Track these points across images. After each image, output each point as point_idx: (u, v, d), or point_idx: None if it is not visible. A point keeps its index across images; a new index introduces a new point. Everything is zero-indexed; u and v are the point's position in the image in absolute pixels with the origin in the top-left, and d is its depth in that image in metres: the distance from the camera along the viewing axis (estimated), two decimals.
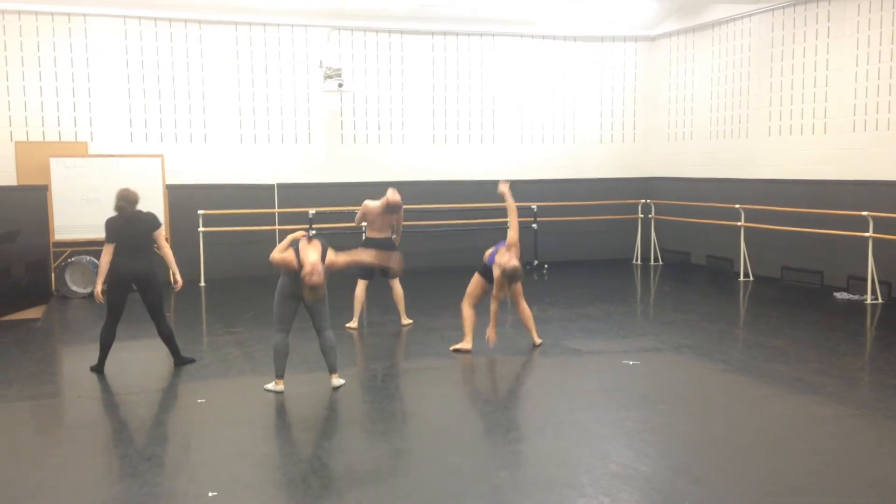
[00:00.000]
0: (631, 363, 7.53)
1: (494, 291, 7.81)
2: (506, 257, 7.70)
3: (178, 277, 7.56)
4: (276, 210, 13.08)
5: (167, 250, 7.64)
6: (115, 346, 7.44)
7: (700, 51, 13.92)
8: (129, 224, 7.39)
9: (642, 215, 14.68)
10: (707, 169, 13.72)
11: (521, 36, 14.34)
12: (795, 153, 11.96)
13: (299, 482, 4.84)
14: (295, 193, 13.18)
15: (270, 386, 6.61)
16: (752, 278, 12.40)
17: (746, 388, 6.79)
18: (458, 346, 7.95)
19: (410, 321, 9.29)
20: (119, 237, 7.33)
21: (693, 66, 14.10)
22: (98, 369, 7.32)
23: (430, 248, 13.68)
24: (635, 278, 13.25)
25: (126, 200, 7.47)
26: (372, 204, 9.02)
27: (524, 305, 8.07)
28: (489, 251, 8.05)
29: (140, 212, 7.55)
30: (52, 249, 11.79)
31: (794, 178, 11.94)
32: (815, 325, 9.18)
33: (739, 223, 12.41)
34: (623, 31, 14.72)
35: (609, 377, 7.12)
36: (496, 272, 7.72)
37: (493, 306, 7.87)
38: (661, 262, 14.48)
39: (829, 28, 11.36)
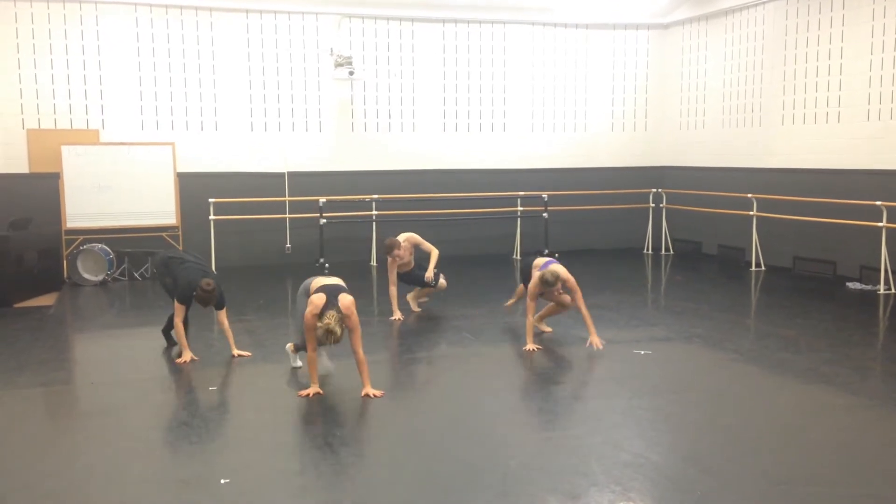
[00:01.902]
0: (642, 352, 7.51)
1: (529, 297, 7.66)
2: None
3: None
4: (287, 198, 13.09)
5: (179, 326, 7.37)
6: (126, 332, 7.49)
7: (713, 39, 13.82)
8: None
9: (653, 204, 14.62)
10: (719, 158, 13.64)
11: (533, 24, 14.26)
12: (808, 142, 11.87)
13: (311, 469, 4.86)
14: (305, 182, 13.19)
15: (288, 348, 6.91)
16: (763, 268, 12.34)
17: (757, 378, 6.76)
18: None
19: (419, 309, 9.30)
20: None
21: (706, 55, 14.00)
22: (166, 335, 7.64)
23: (441, 236, 13.61)
24: (646, 268, 13.21)
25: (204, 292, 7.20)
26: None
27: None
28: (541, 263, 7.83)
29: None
30: (64, 237, 11.84)
31: (807, 167, 11.85)
32: (828, 315, 9.13)
33: (751, 213, 12.34)
34: (635, 19, 14.62)
35: (620, 366, 7.10)
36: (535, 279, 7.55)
37: (528, 317, 7.76)
38: (672, 252, 14.43)
39: (843, 16, 11.25)
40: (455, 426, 5.62)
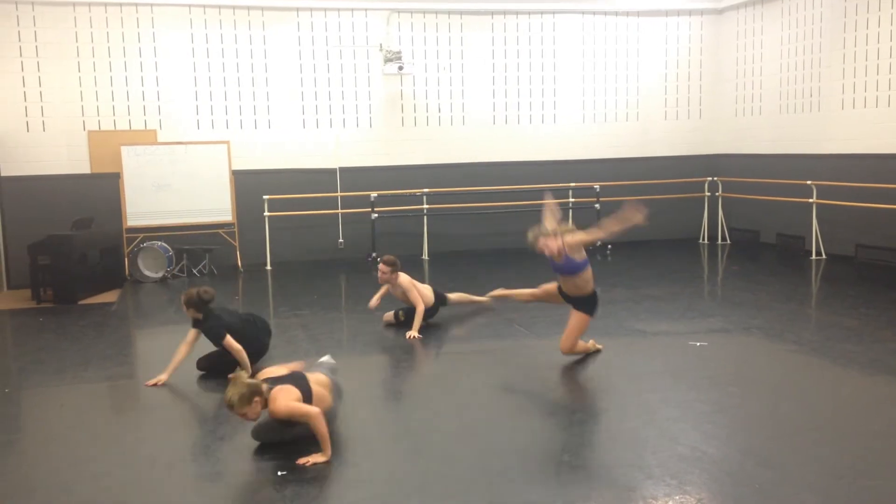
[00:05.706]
0: (698, 344, 7.40)
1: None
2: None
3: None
4: (339, 194, 13.22)
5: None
6: (185, 328, 7.62)
7: (769, 23, 13.50)
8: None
9: (709, 193, 14.37)
10: (776, 144, 13.33)
11: (583, 13, 14.12)
12: (870, 126, 11.53)
13: (366, 461, 4.91)
14: (357, 177, 13.29)
15: None
16: (824, 257, 12.04)
17: (819, 370, 6.61)
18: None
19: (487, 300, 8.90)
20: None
21: (762, 39, 13.68)
22: None
23: (492, 229, 13.66)
24: (702, 258, 13.00)
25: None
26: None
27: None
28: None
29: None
30: (125, 235, 12.16)
31: (868, 152, 11.51)
32: (893, 304, 8.86)
33: (811, 200, 12.04)
34: (688, 5, 14.37)
35: (676, 358, 7.01)
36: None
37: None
38: (728, 241, 14.17)
39: None
40: (508, 418, 5.62)
